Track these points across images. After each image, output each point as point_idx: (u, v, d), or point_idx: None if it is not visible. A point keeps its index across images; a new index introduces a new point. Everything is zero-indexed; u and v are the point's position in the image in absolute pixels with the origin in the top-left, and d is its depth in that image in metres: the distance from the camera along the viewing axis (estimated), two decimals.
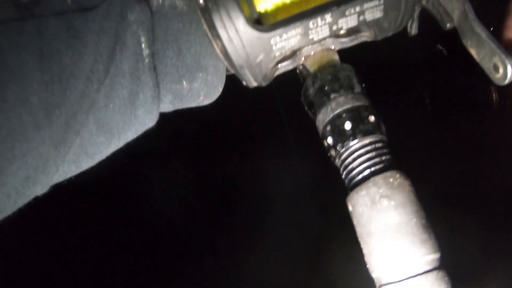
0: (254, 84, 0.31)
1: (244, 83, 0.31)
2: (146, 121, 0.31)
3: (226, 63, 0.29)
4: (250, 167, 1.16)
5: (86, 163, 0.30)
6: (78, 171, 0.30)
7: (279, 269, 1.05)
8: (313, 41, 0.29)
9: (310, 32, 0.29)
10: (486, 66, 0.31)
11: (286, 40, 0.28)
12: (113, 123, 0.29)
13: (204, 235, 1.20)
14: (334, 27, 0.29)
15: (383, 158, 0.29)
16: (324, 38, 0.30)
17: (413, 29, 0.35)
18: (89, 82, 0.27)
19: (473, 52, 0.32)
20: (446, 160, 0.89)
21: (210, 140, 1.21)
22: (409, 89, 0.92)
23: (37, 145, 0.26)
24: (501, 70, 0.30)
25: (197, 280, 1.16)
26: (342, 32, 0.31)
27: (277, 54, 0.29)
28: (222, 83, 0.32)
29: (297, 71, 0.34)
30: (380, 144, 0.30)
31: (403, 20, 0.32)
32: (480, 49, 0.31)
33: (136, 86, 0.28)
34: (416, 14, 0.34)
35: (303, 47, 0.31)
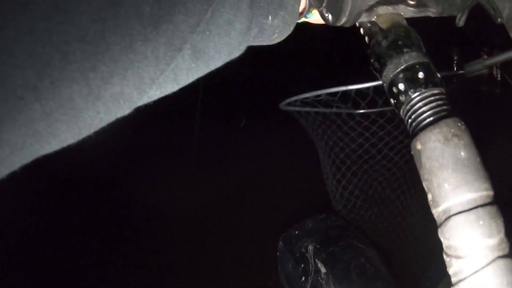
0: (343, 20, 0.33)
1: (330, 18, 0.33)
2: (235, 51, 0.31)
3: None
4: None
5: (171, 89, 0.29)
6: (160, 96, 0.29)
7: None
8: None
9: None
10: None
11: None
12: (205, 50, 0.29)
13: None
14: None
15: (449, 107, 0.32)
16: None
17: (461, 21, 0.40)
18: (197, 1, 0.27)
19: None
20: None
21: None
22: None
23: (139, 59, 0.25)
24: None
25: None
26: (412, 2, 0.35)
27: None
28: (295, 24, 0.34)
29: (361, 29, 0.37)
30: (444, 96, 0.32)
31: (472, 2, 0.36)
32: None
33: (235, 16, 0.29)
34: (468, 9, 0.39)
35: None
